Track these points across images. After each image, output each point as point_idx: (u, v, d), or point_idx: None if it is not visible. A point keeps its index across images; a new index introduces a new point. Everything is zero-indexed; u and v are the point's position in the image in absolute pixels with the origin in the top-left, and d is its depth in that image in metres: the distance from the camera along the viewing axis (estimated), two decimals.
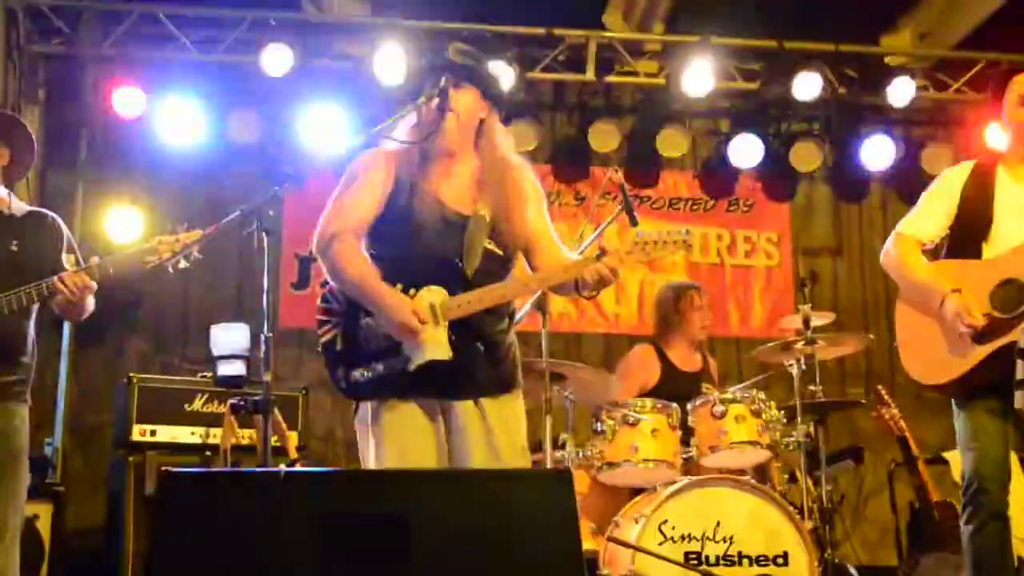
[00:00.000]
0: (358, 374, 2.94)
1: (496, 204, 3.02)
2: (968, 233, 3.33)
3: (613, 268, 2.88)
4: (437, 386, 2.93)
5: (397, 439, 2.93)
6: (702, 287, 5.33)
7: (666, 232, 2.96)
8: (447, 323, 2.89)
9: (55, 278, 3.27)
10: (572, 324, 6.56)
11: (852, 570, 4.90)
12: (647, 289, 6.59)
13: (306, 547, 1.92)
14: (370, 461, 2.98)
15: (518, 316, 3.27)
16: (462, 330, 2.90)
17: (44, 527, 4.55)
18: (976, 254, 3.29)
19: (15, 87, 5.91)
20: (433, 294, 2.91)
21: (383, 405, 2.95)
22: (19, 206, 3.57)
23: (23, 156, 3.63)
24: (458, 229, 2.98)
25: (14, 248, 3.40)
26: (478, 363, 2.95)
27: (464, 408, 2.97)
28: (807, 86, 6.30)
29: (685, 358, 5.18)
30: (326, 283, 3.06)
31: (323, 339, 3.02)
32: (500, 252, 3.03)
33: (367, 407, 3.00)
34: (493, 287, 2.94)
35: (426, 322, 2.86)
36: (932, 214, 3.42)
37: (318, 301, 3.07)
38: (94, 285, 3.32)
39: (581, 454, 4.35)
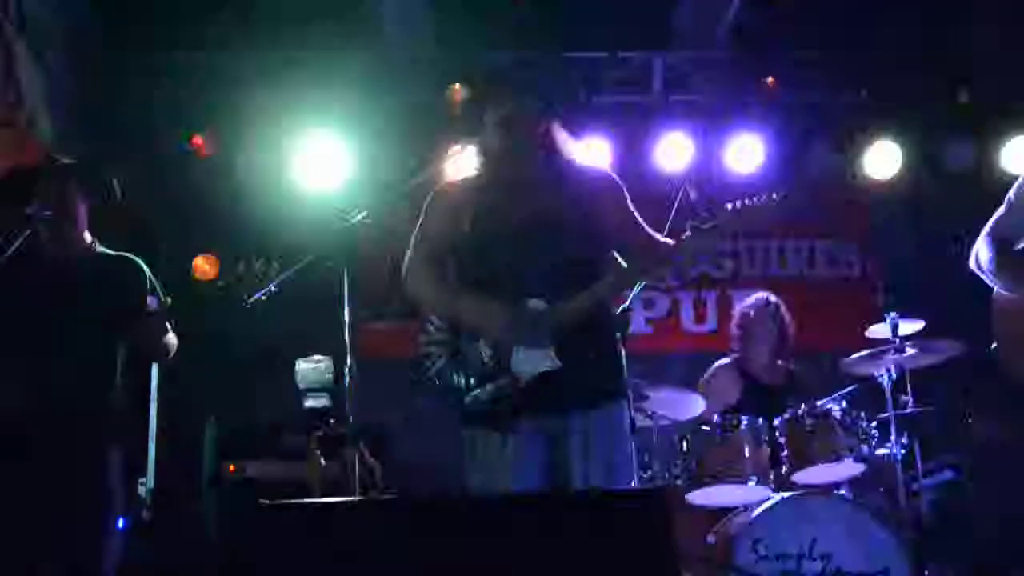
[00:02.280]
0: (470, 400, 2.95)
1: (574, 208, 3.02)
2: None
3: (706, 241, 2.85)
4: (547, 400, 2.93)
5: (509, 462, 2.93)
6: (773, 300, 5.23)
7: (756, 197, 2.92)
8: (551, 334, 2.88)
9: (131, 321, 3.31)
10: (652, 344, 6.49)
11: None
12: (727, 305, 6.50)
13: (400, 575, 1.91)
14: (479, 483, 2.98)
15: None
16: (567, 338, 2.90)
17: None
18: None
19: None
20: (533, 306, 2.92)
21: (496, 427, 2.96)
22: (103, 251, 3.67)
23: (107, 202, 3.73)
24: (543, 241, 2.99)
25: (99, 292, 3.49)
26: (586, 372, 2.95)
27: (572, 421, 2.96)
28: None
29: (767, 372, 5.09)
30: (407, 314, 3.09)
31: (430, 371, 3.04)
32: (590, 255, 3.03)
33: (478, 431, 3.00)
34: (590, 290, 2.93)
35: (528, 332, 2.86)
36: (1021, 212, 3.31)
37: (420, 336, 3.11)
38: (167, 326, 3.35)
39: (668, 474, 4.28)
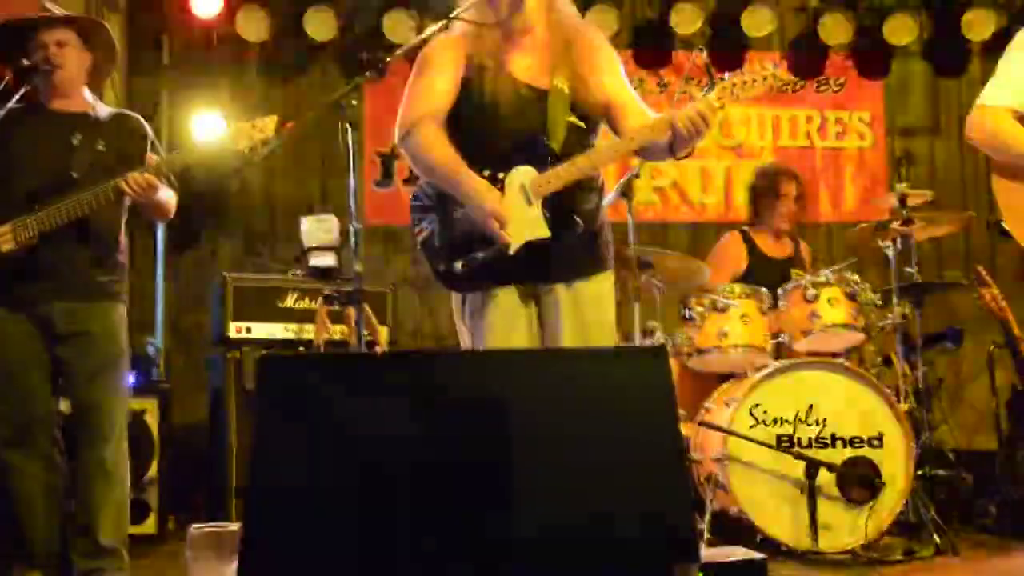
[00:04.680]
0: (459, 265, 2.93)
1: (572, 73, 2.95)
2: None
3: (702, 114, 2.77)
4: (535, 268, 2.92)
5: (496, 327, 2.94)
6: (794, 173, 5.16)
7: (754, 70, 2.85)
8: (540, 201, 2.86)
9: (119, 179, 3.27)
10: (658, 213, 6.47)
11: (949, 453, 4.84)
12: (734, 175, 6.45)
13: (405, 427, 1.95)
14: (468, 345, 3.01)
15: (607, 199, 3.22)
16: (556, 207, 2.88)
17: (152, 422, 4.74)
18: None
19: None
20: (522, 175, 2.88)
21: (484, 294, 2.96)
22: (104, 109, 3.62)
23: (106, 59, 3.67)
24: (538, 105, 2.93)
25: (101, 148, 3.46)
26: (575, 240, 2.93)
27: (558, 290, 2.97)
28: None
29: (774, 244, 5.08)
30: (408, 179, 3.05)
31: (420, 237, 3.02)
32: (583, 124, 2.97)
33: (467, 298, 3.01)
34: (581, 157, 2.88)
35: (507, 221, 2.83)
36: (1020, 80, 3.19)
37: (410, 200, 3.08)
38: (157, 183, 3.31)
39: (670, 341, 4.33)
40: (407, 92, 3.02)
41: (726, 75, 2.84)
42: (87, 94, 3.60)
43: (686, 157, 2.94)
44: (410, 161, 3.02)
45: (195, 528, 3.39)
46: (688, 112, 2.77)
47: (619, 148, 2.97)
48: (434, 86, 2.98)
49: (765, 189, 5.06)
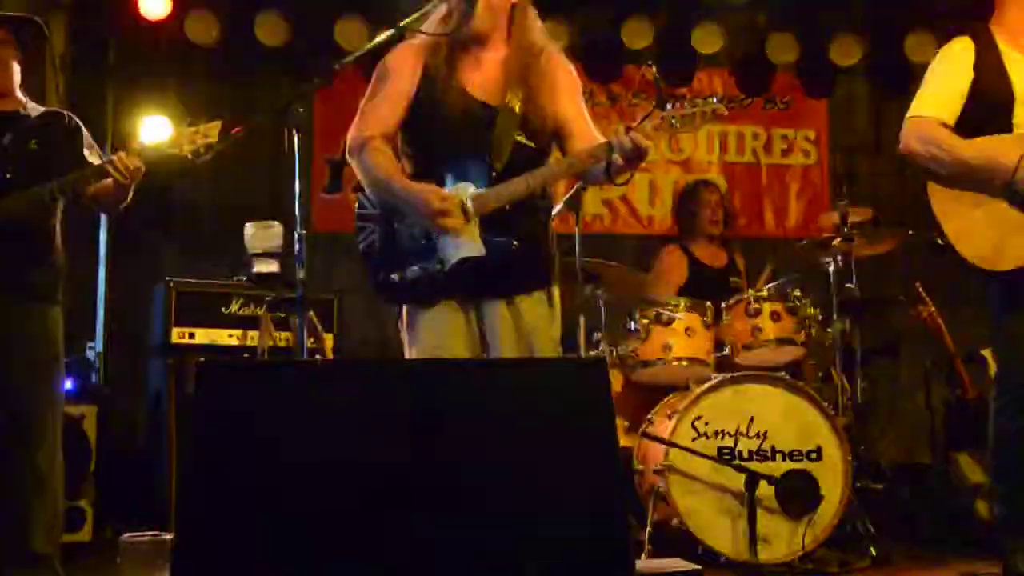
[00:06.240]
0: (395, 277, 2.92)
1: (526, 93, 2.94)
2: (992, 110, 3.17)
3: (640, 145, 2.77)
4: (471, 285, 2.91)
5: (432, 341, 2.93)
6: (713, 183, 5.34)
7: (697, 102, 2.86)
8: (478, 219, 2.85)
9: (112, 157, 3.28)
10: (605, 226, 6.52)
11: (886, 467, 4.93)
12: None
13: (341, 435, 1.94)
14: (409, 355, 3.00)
15: (554, 211, 3.24)
16: (495, 226, 2.87)
17: (90, 428, 4.65)
18: (1007, 129, 3.16)
19: None
20: (462, 191, 2.87)
21: (419, 307, 2.95)
22: (34, 107, 3.58)
23: (35, 55, 3.62)
24: (486, 122, 2.92)
25: (34, 146, 3.42)
26: (512, 259, 2.91)
27: (498, 308, 2.96)
28: None
29: (710, 255, 5.18)
30: (357, 188, 3.04)
31: (361, 245, 3.01)
32: (532, 144, 2.97)
33: (405, 311, 3.00)
34: (519, 179, 2.87)
35: (457, 217, 2.83)
36: (949, 94, 3.21)
37: (355, 207, 3.07)
38: (143, 168, 3.31)
39: (615, 353, 4.36)
40: (364, 103, 3.02)
41: (668, 106, 2.84)
42: (17, 92, 3.54)
43: (625, 183, 2.93)
44: (358, 175, 3.02)
45: (128, 537, 3.34)
46: (625, 140, 2.78)
47: (558, 172, 3.01)
48: (387, 101, 2.98)
49: (688, 200, 5.20)
